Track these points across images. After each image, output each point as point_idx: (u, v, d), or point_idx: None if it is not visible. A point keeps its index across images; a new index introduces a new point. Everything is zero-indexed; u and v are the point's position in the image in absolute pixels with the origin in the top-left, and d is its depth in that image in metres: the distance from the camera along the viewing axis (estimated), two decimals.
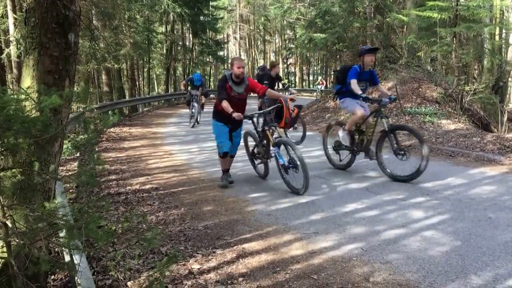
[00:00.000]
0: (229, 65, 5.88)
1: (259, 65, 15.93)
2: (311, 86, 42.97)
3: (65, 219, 1.90)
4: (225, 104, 5.30)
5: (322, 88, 28.84)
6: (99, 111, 14.14)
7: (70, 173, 7.01)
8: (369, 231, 3.91)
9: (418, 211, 4.45)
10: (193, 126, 12.93)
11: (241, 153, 8.34)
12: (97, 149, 8.96)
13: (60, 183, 3.64)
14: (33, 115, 1.69)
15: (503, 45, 15.78)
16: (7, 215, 1.65)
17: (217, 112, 5.70)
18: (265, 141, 5.72)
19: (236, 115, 5.19)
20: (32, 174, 2.08)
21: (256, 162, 6.31)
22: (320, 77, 38.65)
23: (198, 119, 13.50)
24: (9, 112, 1.48)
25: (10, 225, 1.63)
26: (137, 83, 27.65)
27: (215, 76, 43.59)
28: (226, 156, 5.72)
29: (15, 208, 1.92)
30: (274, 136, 5.61)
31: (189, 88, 13.83)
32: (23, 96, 1.72)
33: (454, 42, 12.40)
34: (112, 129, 12.55)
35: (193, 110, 13.28)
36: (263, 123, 5.71)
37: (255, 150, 6.13)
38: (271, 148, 5.51)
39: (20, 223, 1.81)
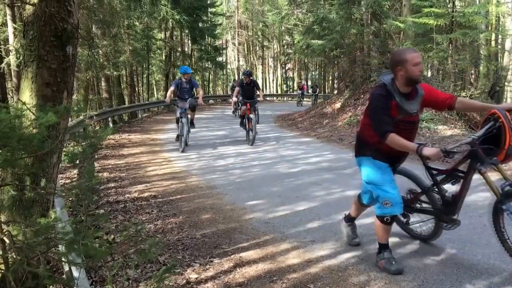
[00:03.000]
0: (390, 63, 3.28)
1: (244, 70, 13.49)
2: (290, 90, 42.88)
3: (63, 232, 1.94)
4: (397, 141, 3.07)
5: (304, 93, 28.76)
6: (98, 118, 14.18)
7: (69, 181, 7.04)
8: (366, 239, 3.94)
9: (414, 218, 4.47)
10: (183, 151, 9.53)
11: (239, 160, 8.42)
12: (96, 156, 8.99)
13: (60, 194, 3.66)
14: (30, 132, 1.73)
15: (499, 51, 15.88)
16: (4, 230, 1.69)
17: (369, 145, 3.39)
18: (442, 187, 3.56)
19: (432, 153, 2.94)
20: (29, 189, 2.11)
21: (410, 216, 3.87)
22: (300, 81, 38.42)
23: (188, 141, 10.07)
24: (6, 129, 1.52)
25: (7, 240, 1.67)
26: (136, 89, 27.73)
27: (214, 82, 43.70)
28: (393, 222, 3.44)
29: (12, 224, 1.95)
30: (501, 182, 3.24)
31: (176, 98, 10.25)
32: (20, 113, 1.75)
33: (450, 48, 12.49)
34: (111, 136, 12.57)
35: (182, 129, 9.67)
36: (471, 157, 3.26)
37: (414, 199, 3.74)
38: (503, 206, 3.14)
39: (18, 238, 1.84)
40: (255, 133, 10.53)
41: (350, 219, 3.90)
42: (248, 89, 10.94)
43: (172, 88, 10.18)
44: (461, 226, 4.11)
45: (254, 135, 10.48)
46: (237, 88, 11.28)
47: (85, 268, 2.75)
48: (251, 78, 11.11)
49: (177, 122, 10.06)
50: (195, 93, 10.34)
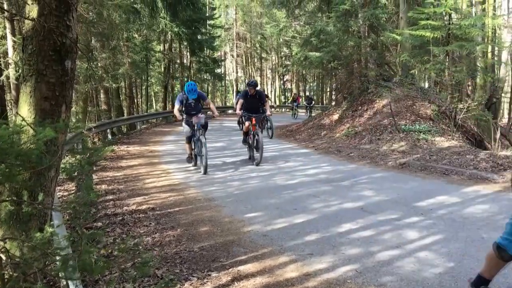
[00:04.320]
0: None
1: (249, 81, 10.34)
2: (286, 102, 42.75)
3: (59, 247, 1.93)
4: None
5: (299, 104, 28.50)
6: (97, 130, 14.17)
7: (67, 193, 7.02)
8: (363, 252, 3.93)
9: (412, 231, 4.48)
10: (205, 172, 8.21)
11: (237, 171, 8.41)
12: (94, 168, 8.97)
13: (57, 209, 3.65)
14: (28, 147, 1.74)
15: (496, 63, 16.00)
16: (0, 247, 1.68)
17: None
18: None
19: None
20: (26, 204, 2.11)
21: None
22: (294, 92, 38.20)
23: (207, 165, 8.29)
24: (4, 145, 1.52)
25: (3, 257, 1.66)
26: (135, 100, 27.80)
27: (212, 93, 43.86)
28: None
29: (8, 240, 1.95)
30: None
31: (184, 115, 8.66)
32: (19, 128, 1.76)
33: (447, 60, 12.58)
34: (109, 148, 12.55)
35: (200, 149, 8.38)
36: None
37: None
38: None
39: (15, 254, 1.83)
40: (261, 152, 9.20)
41: (482, 282, 2.85)
42: (253, 101, 9.72)
43: (177, 106, 8.63)
44: (458, 239, 4.14)
45: (261, 155, 9.20)
46: (240, 100, 9.79)
47: (82, 283, 2.74)
48: (256, 89, 9.79)
49: (189, 142, 8.85)
50: (202, 105, 9.14)
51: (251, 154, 9.65)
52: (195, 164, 8.96)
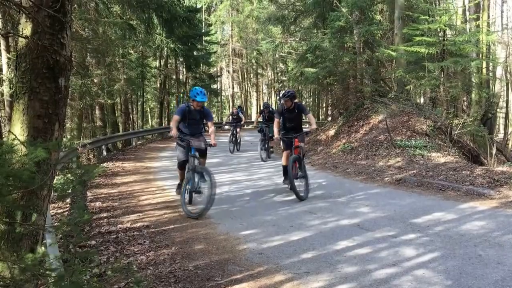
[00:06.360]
0: None
1: (264, 102, 8.50)
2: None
3: (51, 268, 1.89)
4: None
5: None
6: (92, 146, 14.11)
7: (61, 210, 6.95)
8: (360, 271, 3.89)
9: (409, 248, 4.45)
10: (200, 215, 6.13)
11: (233, 188, 8.36)
12: (89, 184, 8.90)
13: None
14: (19, 167, 1.71)
15: (491, 79, 16.16)
16: None
17: None
18: None
19: None
20: (18, 224, 2.07)
21: None
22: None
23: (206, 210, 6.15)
24: None
25: None
26: (131, 116, 27.76)
27: (209, 109, 43.87)
28: None
29: None
30: None
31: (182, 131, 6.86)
32: (9, 148, 1.73)
33: (442, 76, 12.69)
34: (104, 164, 12.50)
35: (193, 183, 6.62)
36: None
37: None
38: None
39: (6, 275, 1.79)
40: (307, 182, 7.26)
41: None
42: (290, 118, 7.53)
43: (176, 117, 6.70)
44: (456, 256, 4.11)
45: (307, 184, 7.22)
46: (276, 120, 7.55)
47: None
48: (294, 101, 7.46)
49: (181, 168, 6.94)
50: (205, 126, 7.37)
51: (295, 190, 7.01)
52: (182, 194, 6.63)
